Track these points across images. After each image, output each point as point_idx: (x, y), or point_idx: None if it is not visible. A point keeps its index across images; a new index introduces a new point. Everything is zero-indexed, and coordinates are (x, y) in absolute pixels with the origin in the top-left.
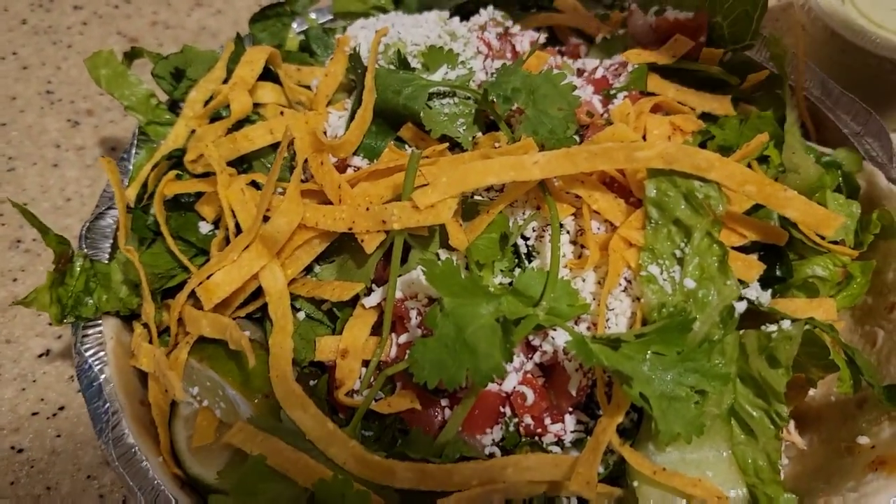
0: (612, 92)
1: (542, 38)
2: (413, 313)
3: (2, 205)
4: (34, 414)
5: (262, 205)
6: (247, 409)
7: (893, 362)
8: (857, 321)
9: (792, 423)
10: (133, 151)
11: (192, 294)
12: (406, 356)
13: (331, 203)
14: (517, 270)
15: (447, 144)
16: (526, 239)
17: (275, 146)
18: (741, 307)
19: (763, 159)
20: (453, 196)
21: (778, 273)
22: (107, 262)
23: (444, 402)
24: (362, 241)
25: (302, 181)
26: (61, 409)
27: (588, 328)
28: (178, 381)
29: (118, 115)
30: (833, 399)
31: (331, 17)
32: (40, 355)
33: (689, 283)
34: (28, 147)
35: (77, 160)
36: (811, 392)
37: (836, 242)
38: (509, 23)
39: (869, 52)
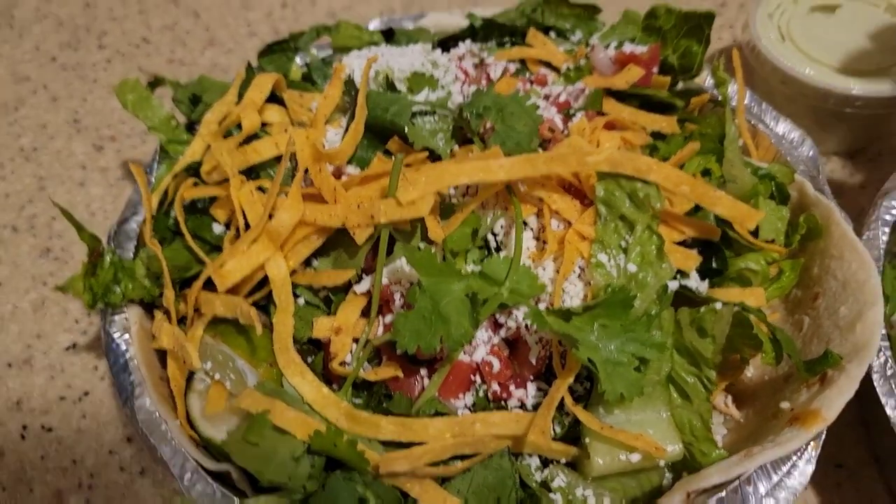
0: (572, 112)
1: (514, 67)
2: (397, 296)
3: (33, 218)
4: (62, 398)
5: (269, 203)
6: (253, 379)
7: (815, 343)
8: (789, 312)
9: (730, 398)
10: (155, 166)
11: (206, 284)
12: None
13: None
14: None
15: (427, 153)
16: (495, 235)
17: (279, 158)
18: (674, 286)
19: (706, 172)
20: (431, 193)
21: (714, 265)
22: (131, 259)
23: (423, 372)
24: (354, 234)
25: (303, 188)
26: (86, 394)
27: (546, 308)
28: (195, 352)
29: (138, 142)
30: (766, 378)
31: (330, 52)
32: (67, 348)
33: (632, 268)
34: (57, 169)
35: (101, 180)
36: (748, 373)
37: (770, 242)
38: (485, 54)
39: (805, 83)
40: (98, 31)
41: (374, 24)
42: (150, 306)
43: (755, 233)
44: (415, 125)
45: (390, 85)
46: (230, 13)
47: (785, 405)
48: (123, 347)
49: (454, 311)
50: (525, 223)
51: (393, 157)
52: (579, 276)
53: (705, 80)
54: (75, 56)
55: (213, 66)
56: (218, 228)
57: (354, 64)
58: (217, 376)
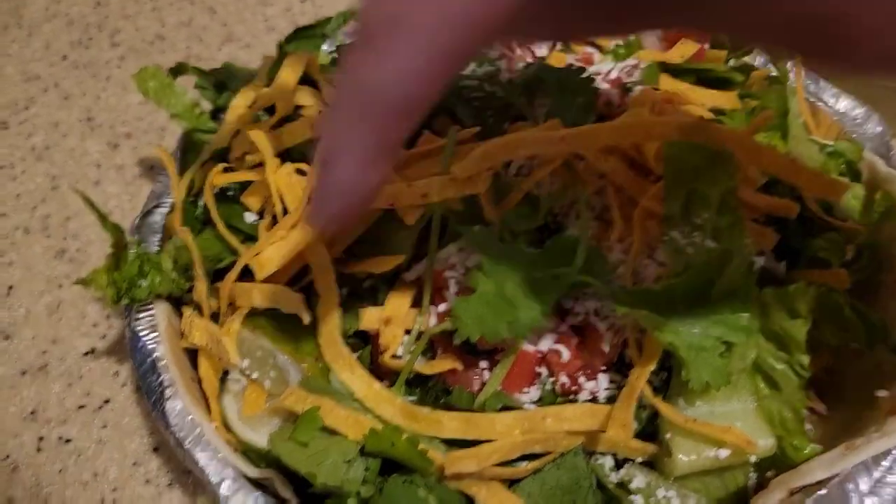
0: (628, 86)
1: (559, 45)
2: (452, 283)
3: (47, 218)
4: (80, 407)
5: (309, 186)
6: (297, 375)
7: None
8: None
9: (812, 391)
10: (178, 155)
11: (239, 276)
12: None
13: None
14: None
15: (477, 129)
16: (555, 215)
17: (314, 142)
18: (760, 261)
19: None
20: (488, 168)
21: (792, 245)
22: (156, 253)
23: (483, 364)
24: (403, 216)
25: None
26: (106, 401)
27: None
28: (233, 347)
29: (155, 138)
30: (852, 366)
31: None
32: (85, 353)
33: (710, 244)
34: (71, 167)
35: (118, 178)
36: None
37: (844, 222)
38: None
39: None
40: (110, 29)
41: None
42: (177, 303)
43: (830, 211)
44: (463, 102)
45: None
46: (247, 9)
47: (883, 394)
48: (151, 346)
49: (521, 294)
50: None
51: (448, 134)
52: (650, 255)
53: (755, 57)
54: (87, 54)
55: (232, 61)
56: (250, 217)
57: None
58: (255, 375)
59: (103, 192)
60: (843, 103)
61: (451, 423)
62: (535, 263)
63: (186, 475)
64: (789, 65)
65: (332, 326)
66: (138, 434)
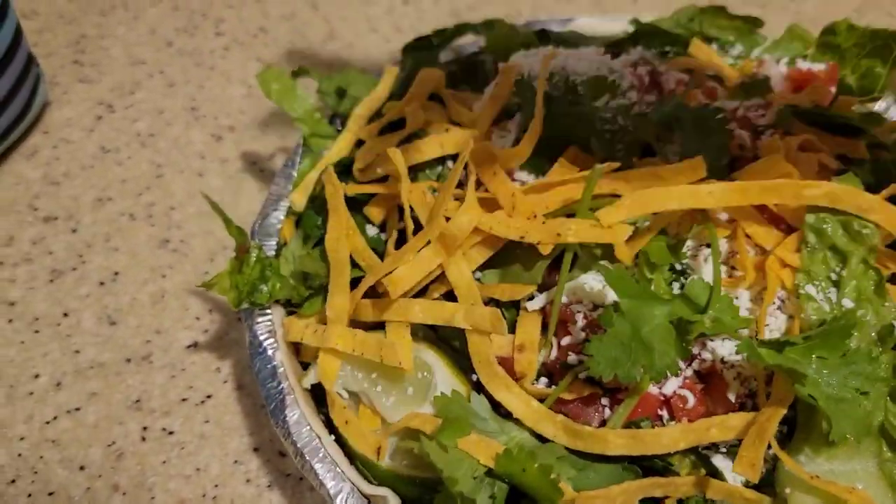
0: (760, 128)
1: (686, 79)
2: (578, 317)
3: (151, 206)
4: (183, 400)
5: (442, 205)
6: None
7: None
8: None
9: None
10: (297, 160)
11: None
12: (568, 358)
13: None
14: (675, 285)
15: (618, 164)
16: (683, 256)
17: (440, 159)
18: None
19: None
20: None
21: None
22: (274, 256)
23: (604, 401)
24: (539, 246)
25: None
26: (209, 397)
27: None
28: (408, 352)
29: (258, 133)
30: None
31: (475, 51)
32: (188, 346)
33: (847, 303)
34: (175, 156)
35: (221, 171)
36: None
37: None
38: (657, 61)
39: None
40: (215, 18)
41: (519, 26)
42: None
43: None
44: (598, 133)
45: (570, 88)
46: (349, 6)
47: None
48: (270, 352)
49: (658, 339)
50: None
51: (591, 170)
52: (779, 307)
53: (882, 103)
54: (192, 42)
55: (335, 59)
56: (371, 231)
57: (525, 64)
58: (378, 388)
59: (207, 184)
60: None
61: (618, 440)
62: (671, 306)
63: (285, 478)
64: None
65: (484, 347)
66: (238, 433)
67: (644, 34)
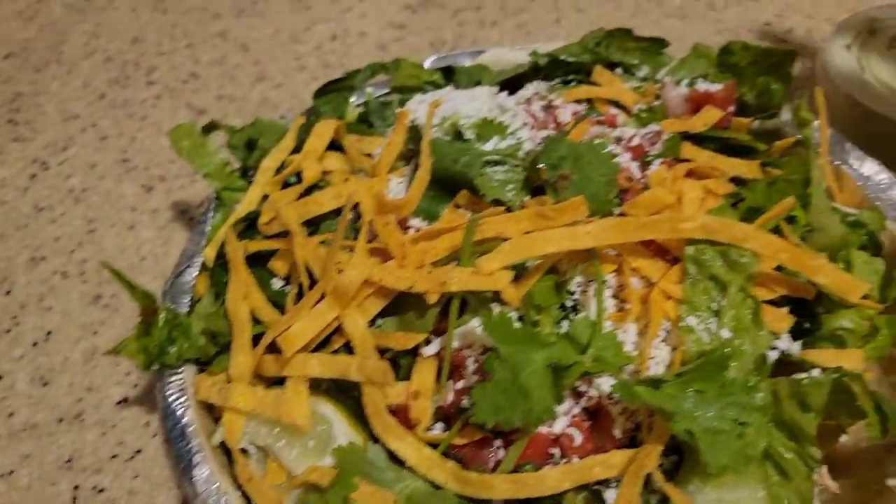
0: (649, 159)
1: (583, 109)
2: (469, 361)
3: (84, 263)
4: (114, 456)
5: (332, 258)
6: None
7: None
8: (885, 372)
9: (825, 469)
10: (210, 215)
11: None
12: (462, 401)
13: (392, 260)
14: (564, 323)
15: (503, 208)
16: (571, 294)
17: (340, 210)
18: (773, 356)
19: (791, 219)
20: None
21: (807, 326)
22: (187, 313)
23: (497, 443)
24: (425, 295)
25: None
26: (138, 451)
27: (630, 376)
28: (305, 408)
29: (187, 182)
30: (863, 445)
31: (386, 90)
32: (119, 402)
33: (726, 333)
34: (107, 210)
35: (151, 222)
36: (842, 439)
37: (864, 298)
38: (552, 96)
39: (889, 119)
40: (147, 67)
41: (430, 61)
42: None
43: None
44: (484, 176)
45: (457, 133)
46: (279, 46)
47: (893, 482)
48: (179, 412)
49: (535, 384)
50: (603, 281)
51: (468, 215)
52: (664, 339)
53: (782, 115)
54: (124, 93)
55: (263, 100)
56: (277, 284)
57: (419, 109)
58: (281, 443)
59: (137, 236)
60: (868, 167)
61: (503, 485)
62: (550, 352)
63: None
64: (815, 127)
65: (377, 398)
66: (167, 486)
67: (546, 65)
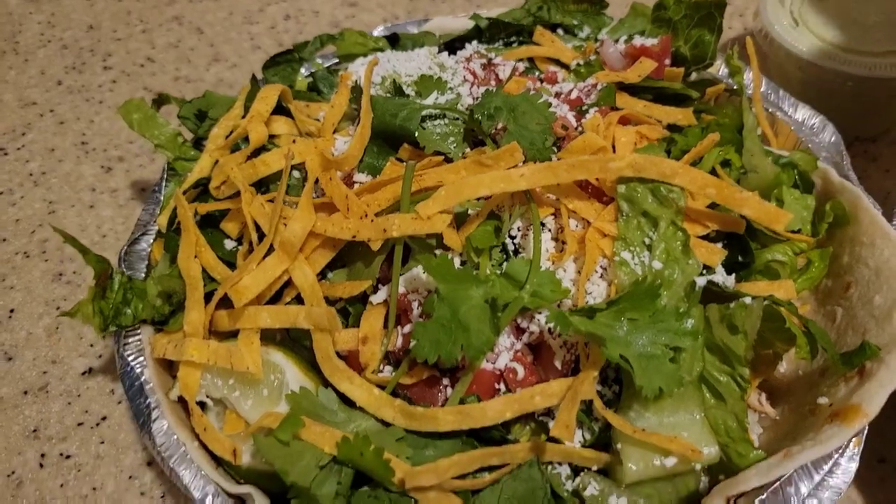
0: (584, 108)
1: (522, 66)
2: (415, 305)
3: (45, 242)
4: (79, 424)
5: (276, 214)
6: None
7: (850, 335)
8: (820, 303)
9: (764, 396)
10: (163, 184)
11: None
12: (410, 344)
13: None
14: (506, 265)
15: (441, 157)
16: (513, 238)
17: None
18: (702, 282)
19: (726, 163)
20: (450, 208)
21: (741, 259)
22: (143, 279)
23: (445, 381)
24: (368, 242)
25: (315, 199)
26: (104, 419)
27: (569, 310)
28: (257, 357)
29: (146, 161)
30: (800, 373)
31: (335, 61)
32: (83, 373)
33: (657, 265)
34: (67, 192)
35: (111, 201)
36: (781, 369)
37: (796, 231)
38: (492, 55)
39: (820, 66)
40: (103, 53)
41: (379, 31)
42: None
43: None
44: (425, 129)
45: (397, 89)
46: (233, 28)
47: (823, 401)
48: (138, 370)
49: (474, 319)
50: (543, 224)
51: (405, 164)
52: (601, 275)
53: (719, 69)
54: (81, 78)
55: (219, 81)
56: (230, 244)
57: (360, 71)
58: (236, 393)
59: (98, 215)
60: (801, 112)
61: (447, 417)
62: (487, 289)
63: (178, 488)
64: (747, 77)
65: (325, 344)
66: (132, 449)
67: (488, 28)
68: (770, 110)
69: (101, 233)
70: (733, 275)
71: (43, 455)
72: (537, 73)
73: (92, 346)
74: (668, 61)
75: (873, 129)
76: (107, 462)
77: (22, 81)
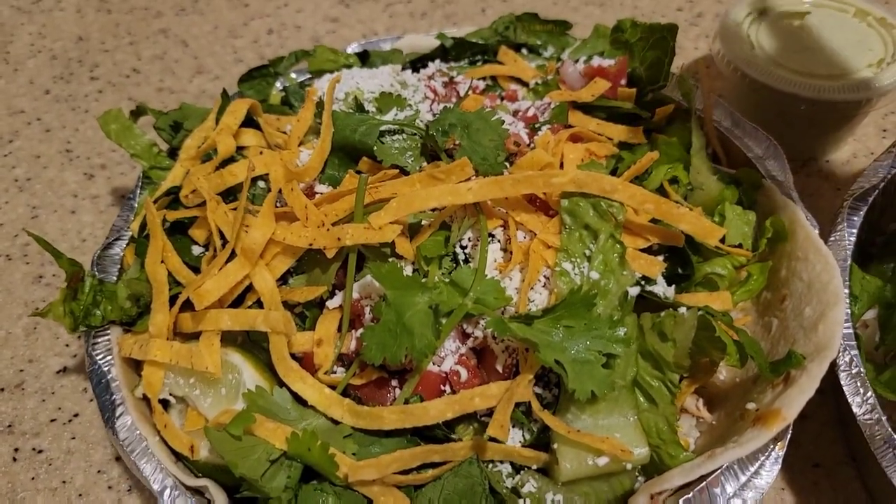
0: (537, 125)
1: (482, 84)
2: (367, 310)
3: (26, 246)
4: (52, 420)
5: (237, 221)
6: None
7: (782, 344)
8: (760, 314)
9: (702, 401)
10: (138, 192)
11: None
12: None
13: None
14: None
15: (397, 171)
16: (464, 248)
17: (255, 180)
18: (634, 292)
19: (674, 180)
20: (402, 219)
21: (682, 271)
22: (115, 282)
23: (394, 383)
24: (325, 251)
25: (278, 209)
26: (76, 415)
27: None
28: (216, 358)
29: (127, 168)
30: (737, 380)
31: (309, 76)
32: (58, 371)
33: (594, 275)
34: (50, 198)
35: (92, 207)
36: (720, 376)
37: (737, 246)
38: (454, 73)
39: (773, 89)
40: (90, 63)
41: (353, 48)
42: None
43: (722, 238)
44: (384, 144)
45: (358, 106)
46: (218, 41)
47: (751, 406)
48: (105, 368)
49: (418, 323)
50: (492, 235)
51: (359, 179)
52: (545, 284)
53: (673, 90)
54: (68, 88)
55: (201, 93)
56: (197, 250)
57: (325, 86)
58: (196, 392)
59: (79, 220)
60: (752, 133)
61: (391, 416)
62: (432, 295)
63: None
64: (698, 99)
65: (281, 345)
66: (102, 445)
67: (454, 47)
68: (722, 130)
69: (81, 237)
70: (673, 286)
71: (16, 450)
72: (499, 91)
73: (67, 346)
74: (624, 81)
75: (827, 150)
76: (77, 457)
77: (11, 90)
